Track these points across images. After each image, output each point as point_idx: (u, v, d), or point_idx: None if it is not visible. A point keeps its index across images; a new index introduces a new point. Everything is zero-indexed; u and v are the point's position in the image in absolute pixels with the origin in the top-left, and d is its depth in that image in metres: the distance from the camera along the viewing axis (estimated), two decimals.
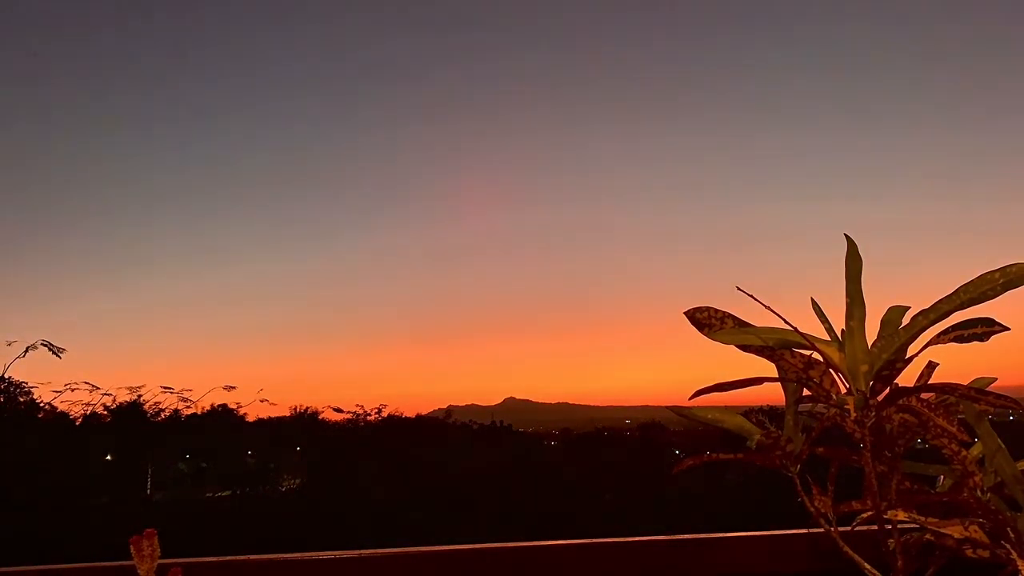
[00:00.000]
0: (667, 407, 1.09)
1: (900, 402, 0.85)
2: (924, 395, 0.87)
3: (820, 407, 0.98)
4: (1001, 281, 0.78)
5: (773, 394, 1.03)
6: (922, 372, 0.99)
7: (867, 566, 0.94)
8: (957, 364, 0.97)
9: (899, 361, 0.86)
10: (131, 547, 0.94)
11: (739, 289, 0.89)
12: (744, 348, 0.93)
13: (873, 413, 0.86)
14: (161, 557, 0.95)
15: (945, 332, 0.86)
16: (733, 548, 1.31)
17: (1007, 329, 0.84)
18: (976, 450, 0.94)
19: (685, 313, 0.99)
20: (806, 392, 0.95)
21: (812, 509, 1.02)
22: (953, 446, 0.90)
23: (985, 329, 0.85)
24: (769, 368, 0.94)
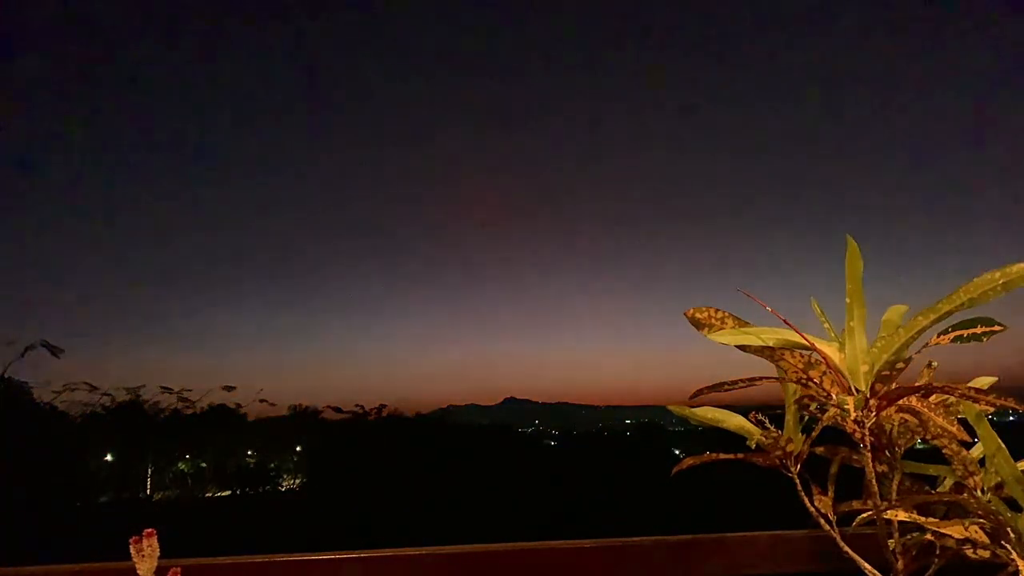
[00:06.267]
0: (667, 407, 1.09)
1: (900, 402, 0.85)
2: (924, 395, 0.87)
3: (820, 407, 0.98)
4: (1001, 281, 0.78)
5: (773, 394, 1.03)
6: (922, 372, 0.99)
7: (867, 566, 0.94)
8: (957, 364, 0.98)
9: (899, 361, 0.86)
10: (131, 547, 0.94)
11: (739, 290, 0.89)
12: (744, 348, 0.93)
13: (873, 413, 0.86)
14: (161, 557, 0.95)
15: (945, 332, 0.86)
16: (733, 548, 1.31)
17: (1006, 329, 0.85)
18: (976, 450, 0.94)
19: (685, 313, 0.99)
20: (806, 392, 0.95)
21: (812, 509, 1.02)
22: (953, 446, 0.90)
23: (984, 329, 0.85)
24: (769, 368, 0.94)
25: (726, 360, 1.02)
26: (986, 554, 0.90)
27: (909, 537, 0.97)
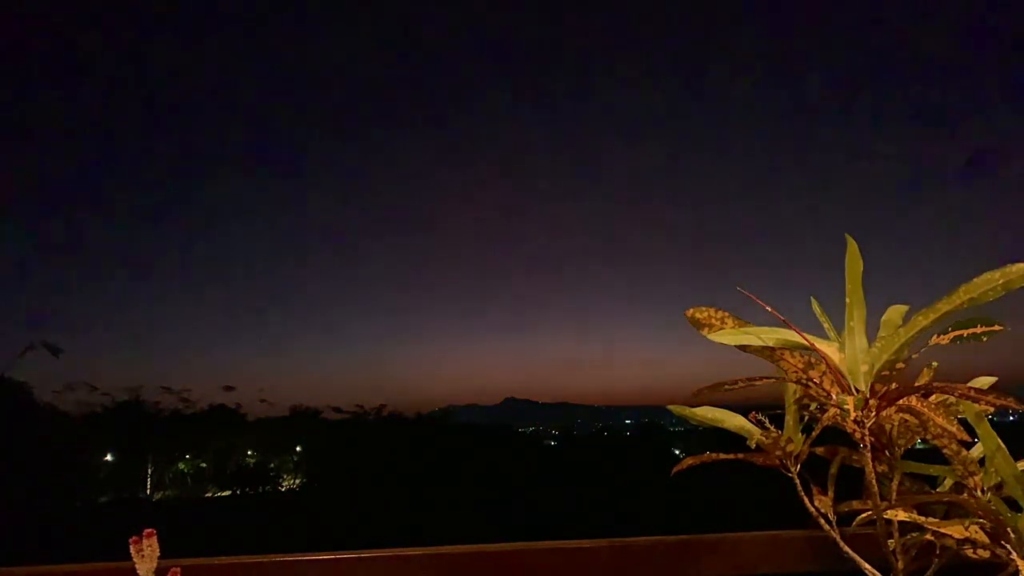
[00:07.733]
0: (667, 407, 1.09)
1: (900, 402, 0.85)
2: (924, 395, 0.86)
3: (820, 407, 0.98)
4: (1001, 281, 0.78)
5: (773, 394, 1.03)
6: (922, 372, 0.99)
7: (867, 566, 0.94)
8: (957, 364, 0.97)
9: (899, 361, 0.86)
10: (131, 547, 0.94)
11: (739, 289, 0.89)
12: (744, 348, 0.93)
13: (873, 413, 0.86)
14: (161, 557, 0.95)
15: (945, 332, 0.85)
16: (733, 548, 1.31)
17: (1006, 329, 0.84)
18: (976, 450, 0.94)
19: (685, 313, 0.99)
20: (806, 392, 0.95)
21: (812, 509, 1.02)
22: (953, 446, 0.90)
23: (984, 329, 0.85)
24: (769, 368, 0.94)
25: (726, 360, 1.02)
26: (986, 554, 0.90)
27: (909, 537, 0.97)
